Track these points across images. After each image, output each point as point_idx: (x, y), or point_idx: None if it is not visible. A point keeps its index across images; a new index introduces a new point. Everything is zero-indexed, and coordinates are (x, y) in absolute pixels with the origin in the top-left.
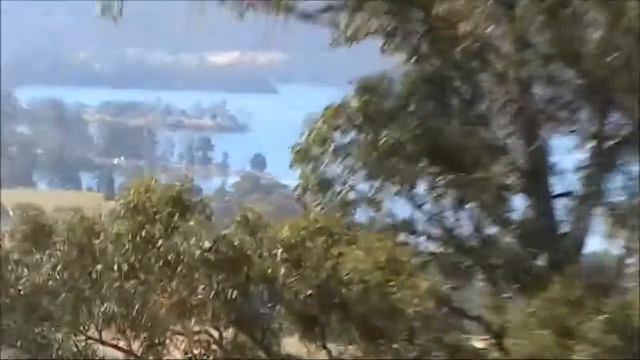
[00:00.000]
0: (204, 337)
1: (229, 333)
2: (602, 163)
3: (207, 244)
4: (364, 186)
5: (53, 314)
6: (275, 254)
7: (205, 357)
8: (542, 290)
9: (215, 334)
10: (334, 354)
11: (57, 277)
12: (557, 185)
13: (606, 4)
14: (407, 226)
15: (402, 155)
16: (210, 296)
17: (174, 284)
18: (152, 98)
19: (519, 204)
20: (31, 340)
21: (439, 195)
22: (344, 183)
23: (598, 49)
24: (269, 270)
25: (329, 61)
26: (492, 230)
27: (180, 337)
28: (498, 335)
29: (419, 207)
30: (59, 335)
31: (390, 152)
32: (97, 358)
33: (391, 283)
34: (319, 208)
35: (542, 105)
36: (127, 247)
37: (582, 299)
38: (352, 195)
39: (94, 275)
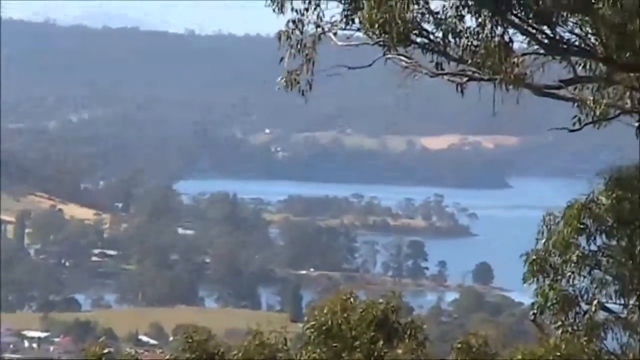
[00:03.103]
0: None
1: None
2: None
3: None
4: (616, 304)
5: None
6: None
7: None
8: None
9: None
10: None
11: None
12: None
13: None
14: None
15: None
16: None
17: None
18: (349, 192)
19: None
20: None
21: None
22: (592, 300)
23: None
24: None
25: (572, 147)
26: None
27: None
28: None
29: None
30: None
31: None
32: None
33: None
34: (559, 332)
35: None
36: None
37: None
38: (601, 316)
39: None
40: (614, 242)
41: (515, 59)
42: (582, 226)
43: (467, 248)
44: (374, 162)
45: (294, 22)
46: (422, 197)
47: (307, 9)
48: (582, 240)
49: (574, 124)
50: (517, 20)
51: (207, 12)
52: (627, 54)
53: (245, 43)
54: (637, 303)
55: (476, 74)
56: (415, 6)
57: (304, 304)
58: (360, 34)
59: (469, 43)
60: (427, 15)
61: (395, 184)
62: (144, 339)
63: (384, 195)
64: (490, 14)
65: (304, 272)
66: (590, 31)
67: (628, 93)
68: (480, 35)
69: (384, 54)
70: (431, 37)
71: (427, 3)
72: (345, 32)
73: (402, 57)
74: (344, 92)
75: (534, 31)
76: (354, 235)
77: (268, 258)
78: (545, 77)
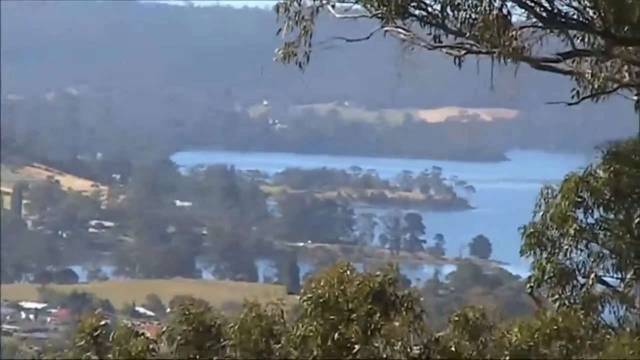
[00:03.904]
0: None
1: None
2: None
3: (416, 350)
4: (613, 278)
5: None
6: None
7: None
8: None
9: None
10: None
11: None
12: None
13: None
14: None
15: None
16: None
17: None
18: (347, 165)
19: None
20: None
21: None
22: (589, 274)
23: None
24: None
25: (570, 120)
26: None
27: None
28: None
29: None
30: None
31: None
32: None
33: None
34: (557, 305)
35: None
36: (315, 352)
37: None
38: (598, 289)
39: None
40: (611, 216)
41: (514, 32)
42: (579, 199)
43: (464, 221)
44: (372, 135)
45: None
46: (419, 169)
47: None
48: (580, 214)
49: (572, 97)
50: None
51: None
52: (626, 28)
53: (243, 15)
54: (634, 276)
55: (474, 47)
56: None
57: (301, 276)
58: (358, 7)
59: (468, 16)
60: None
61: (393, 157)
62: (141, 310)
63: (382, 168)
64: None
65: (301, 244)
66: (588, 4)
67: (626, 67)
68: (478, 8)
69: (382, 27)
70: (429, 9)
71: None
72: (344, 4)
73: (400, 30)
74: (342, 65)
75: (532, 4)
76: (351, 208)
77: (265, 230)
78: (543, 50)
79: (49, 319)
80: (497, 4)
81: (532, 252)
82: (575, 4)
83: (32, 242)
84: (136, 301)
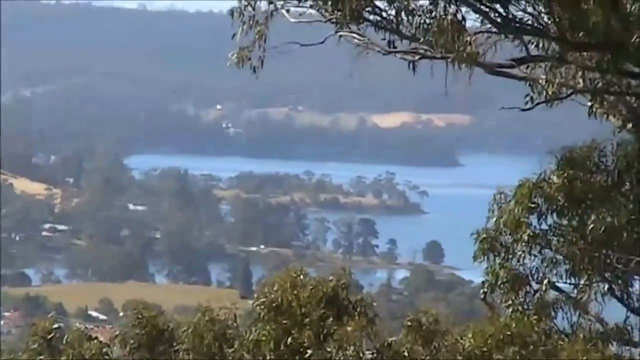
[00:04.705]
0: None
1: None
2: None
3: (368, 355)
4: (566, 284)
5: None
6: None
7: None
8: None
9: None
10: None
11: None
12: None
13: None
14: (621, 334)
15: (616, 245)
16: None
17: None
18: (300, 169)
19: None
20: None
21: None
22: (542, 280)
23: None
24: None
25: (524, 126)
26: None
27: None
28: None
29: (636, 311)
30: None
31: (600, 241)
32: None
33: None
34: (510, 310)
35: None
36: (268, 357)
37: None
38: (552, 295)
39: None
40: (565, 222)
41: (468, 38)
42: (533, 205)
43: (418, 226)
44: (325, 140)
45: None
46: (373, 174)
47: None
48: (533, 219)
49: (526, 103)
50: None
51: None
52: (580, 33)
53: (197, 19)
54: (588, 282)
55: (428, 52)
56: None
57: (254, 281)
58: (313, 11)
59: (422, 21)
60: None
61: (346, 162)
62: (94, 314)
63: (335, 172)
64: None
65: (254, 248)
66: (543, 10)
67: (580, 73)
68: (433, 13)
69: (337, 32)
70: (384, 14)
71: None
72: (298, 9)
73: (355, 35)
74: (296, 69)
75: (486, 9)
76: (304, 212)
77: (218, 234)
78: (497, 56)
79: (2, 322)
80: (451, 9)
81: (485, 257)
82: (530, 9)
83: None
84: (89, 305)
